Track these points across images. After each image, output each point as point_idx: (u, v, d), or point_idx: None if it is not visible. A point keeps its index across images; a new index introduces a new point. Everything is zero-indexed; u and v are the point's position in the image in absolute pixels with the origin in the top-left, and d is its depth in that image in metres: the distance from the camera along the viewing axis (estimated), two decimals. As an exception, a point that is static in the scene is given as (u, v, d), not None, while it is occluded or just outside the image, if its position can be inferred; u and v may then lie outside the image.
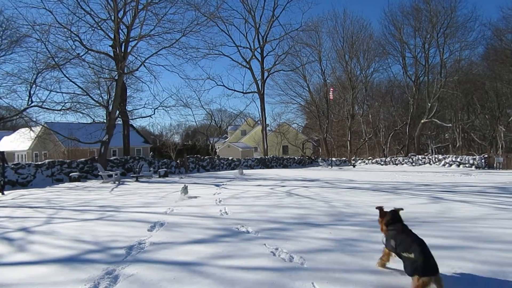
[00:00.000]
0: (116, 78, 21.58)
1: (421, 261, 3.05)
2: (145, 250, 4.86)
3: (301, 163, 34.96)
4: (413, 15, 39.15)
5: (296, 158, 36.07)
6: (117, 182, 16.81)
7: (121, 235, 5.69)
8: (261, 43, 38.39)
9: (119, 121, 26.03)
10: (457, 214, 6.99)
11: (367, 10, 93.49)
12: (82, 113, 23.29)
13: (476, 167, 25.07)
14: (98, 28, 21.03)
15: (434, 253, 3.18)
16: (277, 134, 49.32)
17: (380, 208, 3.98)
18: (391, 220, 3.73)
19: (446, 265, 3.90)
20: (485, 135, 41.22)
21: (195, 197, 10.52)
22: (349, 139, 41.62)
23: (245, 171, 24.10)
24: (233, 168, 29.03)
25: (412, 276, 3.09)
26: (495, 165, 24.32)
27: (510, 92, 37.05)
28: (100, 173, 17.93)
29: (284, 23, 58.37)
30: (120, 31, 21.80)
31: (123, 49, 21.65)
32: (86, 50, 20.84)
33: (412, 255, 3.16)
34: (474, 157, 26.75)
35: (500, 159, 24.48)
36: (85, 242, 5.36)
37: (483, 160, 25.22)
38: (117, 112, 22.83)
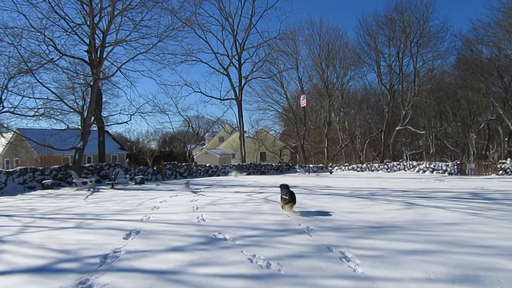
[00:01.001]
0: (92, 83, 21.21)
1: (289, 197, 7.83)
2: (120, 258, 4.77)
3: (279, 170, 35.09)
4: (387, 25, 40.13)
5: (274, 164, 36.18)
6: (92, 190, 16.47)
7: (95, 244, 5.57)
8: (238, 50, 38.52)
9: (94, 128, 25.58)
10: (431, 219, 7.14)
11: (342, 20, 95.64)
12: (56, 119, 22.76)
13: (449, 173, 25.69)
14: (73, 33, 20.66)
15: (408, 257, 3.26)
16: (255, 141, 49.45)
17: (281, 185, 8.41)
18: (285, 188, 8.13)
19: (420, 270, 3.98)
20: (458, 142, 42.44)
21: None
22: (326, 145, 42.07)
23: (221, 178, 24.03)
24: (210, 175, 28.89)
25: (285, 205, 7.95)
26: (467, 171, 24.97)
27: (480, 100, 38.31)
28: (74, 180, 17.53)
29: (261, 30, 59.14)
30: (95, 36, 21.45)
31: (98, 54, 21.30)
32: (60, 55, 20.34)
33: (286, 197, 7.90)
34: (447, 163, 27.42)
35: (472, 165, 25.16)
36: (57, 251, 5.21)
37: (455, 167, 25.88)
38: (92, 118, 22.43)
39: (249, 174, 31.47)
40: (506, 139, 36.89)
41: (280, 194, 8.29)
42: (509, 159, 26.04)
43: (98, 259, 4.70)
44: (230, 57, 38.29)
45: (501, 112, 33.31)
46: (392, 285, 3.58)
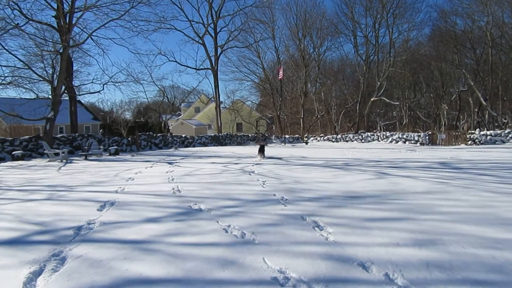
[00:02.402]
0: (61, 51, 20.39)
1: (260, 148, 15.77)
2: (95, 230, 4.75)
3: (255, 140, 35.21)
4: (365, -6, 39.85)
5: (250, 135, 36.24)
6: (64, 161, 16.18)
7: (69, 215, 5.52)
8: (214, 18, 37.67)
9: (65, 97, 24.85)
10: (401, 189, 7.36)
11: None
12: (25, 88, 22.06)
13: (421, 144, 26.38)
14: (39, -4, 19.69)
15: (377, 224, 3.44)
16: (231, 112, 49.21)
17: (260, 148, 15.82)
18: (261, 147, 15.86)
19: (389, 236, 4.14)
20: (430, 113, 43.38)
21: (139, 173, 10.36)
22: (302, 116, 42.25)
23: (197, 149, 23.99)
24: (186, 146, 28.73)
25: (258, 154, 15.55)
26: (438, 141, 25.69)
27: (453, 72, 38.99)
28: (46, 151, 17.14)
29: (237, -2, 57.56)
30: (64, 0, 20.52)
31: (67, 20, 20.42)
32: (27, 20, 19.20)
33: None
34: (419, 134, 28.11)
35: (443, 136, 25.88)
36: (30, 223, 5.15)
37: (427, 137, 26.57)
38: (63, 87, 21.75)
39: (225, 145, 31.47)
40: (476, 110, 37.92)
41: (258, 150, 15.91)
42: (478, 129, 26.94)
43: (72, 231, 4.67)
44: (206, 26, 37.47)
45: (472, 84, 34.05)
46: (362, 250, 3.71)
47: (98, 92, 26.94)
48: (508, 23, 32.68)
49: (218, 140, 31.84)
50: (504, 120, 33.00)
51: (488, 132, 24.95)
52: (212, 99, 47.98)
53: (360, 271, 3.25)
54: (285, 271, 3.28)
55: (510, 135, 23.77)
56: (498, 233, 4.25)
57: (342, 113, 45.17)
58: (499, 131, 24.92)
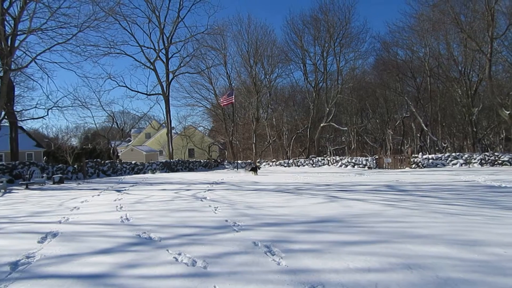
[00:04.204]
0: (2, 75, 19.43)
1: (251, 167, 22.89)
2: (34, 264, 4.43)
3: (208, 166, 34.90)
4: (313, 25, 41.49)
5: (202, 161, 35.91)
6: (2, 191, 15.17)
7: (6, 249, 5.12)
8: (165, 44, 37.54)
9: (5, 123, 23.53)
10: (350, 211, 7.53)
11: (270, 17, 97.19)
12: (-40, 112, 20.61)
13: (369, 168, 27.33)
14: (-22, 18, 18.79)
15: (334, 248, 3.35)
16: (182, 137, 48.64)
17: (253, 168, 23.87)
18: (254, 165, 24.83)
19: (340, 259, 4.19)
20: (376, 137, 45.28)
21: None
22: (254, 142, 42.54)
23: (147, 175, 23.38)
24: (136, 172, 27.94)
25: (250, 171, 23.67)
26: (384, 165, 26.75)
27: (397, 99, 41.25)
28: (-18, 181, 15.99)
29: (189, 25, 58.38)
30: (5, 23, 19.69)
31: (9, 43, 19.59)
32: (-36, 41, 18.39)
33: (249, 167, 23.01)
34: (367, 158, 29.16)
35: (389, 159, 27.01)
36: (-40, 260, 4.72)
37: (374, 161, 27.60)
38: (3, 113, 20.61)
39: (176, 171, 30.94)
40: (418, 134, 40.09)
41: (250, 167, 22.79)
42: (421, 153, 28.37)
43: (8, 267, 4.33)
44: (157, 51, 37.22)
45: (414, 110, 36.12)
46: (313, 274, 3.72)
47: (42, 117, 25.74)
48: (444, 54, 35.24)
49: (170, 167, 31.25)
50: (444, 145, 35.09)
51: (430, 156, 26.36)
52: (164, 124, 47.27)
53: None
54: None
55: (449, 159, 25.22)
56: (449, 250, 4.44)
57: (293, 138, 45.97)
58: (439, 155, 26.40)
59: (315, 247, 4.77)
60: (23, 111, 26.57)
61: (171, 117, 38.30)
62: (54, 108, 23.72)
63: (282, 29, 77.97)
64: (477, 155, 24.65)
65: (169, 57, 38.44)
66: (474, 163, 24.09)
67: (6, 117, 22.16)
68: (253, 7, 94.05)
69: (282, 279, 3.66)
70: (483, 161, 23.79)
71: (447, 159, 25.32)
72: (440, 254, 4.38)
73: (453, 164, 24.69)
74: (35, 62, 21.60)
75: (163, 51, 37.67)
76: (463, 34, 28.21)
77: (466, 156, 24.94)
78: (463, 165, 24.27)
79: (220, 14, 73.98)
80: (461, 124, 36.62)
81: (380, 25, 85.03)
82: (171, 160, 32.95)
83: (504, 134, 36.31)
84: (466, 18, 29.48)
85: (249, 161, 37.92)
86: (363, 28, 46.15)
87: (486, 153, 25.27)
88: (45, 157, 38.30)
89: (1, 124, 20.33)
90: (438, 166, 25.09)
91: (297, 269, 3.95)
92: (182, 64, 39.71)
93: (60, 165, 23.83)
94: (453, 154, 26.13)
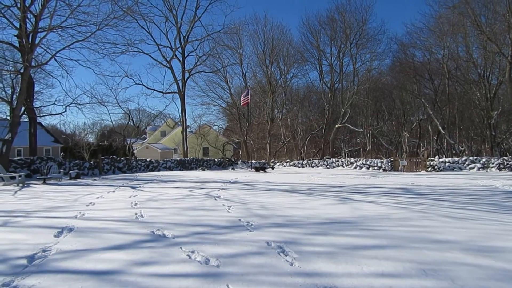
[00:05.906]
0: (22, 71, 19.77)
1: (254, 167, 27.08)
2: (50, 258, 4.50)
3: (222, 165, 35.00)
4: (329, 25, 41.42)
5: (216, 160, 36.03)
6: (21, 185, 15.46)
7: (23, 243, 5.21)
8: (182, 43, 37.76)
9: (25, 119, 23.98)
10: (363, 214, 7.47)
11: (287, 17, 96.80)
12: (-19, 108, 21.07)
13: (384, 170, 27.07)
14: (1, 15, 19.10)
15: (344, 250, 3.31)
16: (197, 136, 48.89)
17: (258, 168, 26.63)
18: (263, 165, 28.41)
19: (357, 263, 4.15)
20: (392, 140, 44.82)
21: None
22: (268, 142, 42.57)
23: (162, 173, 23.52)
24: (151, 170, 28.18)
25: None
26: (399, 168, 26.44)
27: (413, 101, 40.76)
28: (1, 175, 16.33)
29: (206, 24, 58.20)
30: (27, 20, 20.00)
31: (30, 40, 19.89)
32: (-14, 38, 18.75)
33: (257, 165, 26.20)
34: (382, 160, 28.88)
35: (404, 162, 26.68)
36: (-21, 252, 4.82)
37: (389, 163, 27.32)
38: (22, 108, 20.96)
39: (191, 169, 31.11)
40: (435, 137, 39.54)
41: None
42: (437, 156, 27.98)
43: (25, 260, 4.41)
44: (174, 50, 37.48)
45: (431, 113, 35.63)
46: (325, 276, 3.69)
47: (60, 114, 26.16)
48: (463, 57, 34.67)
49: (184, 165, 31.43)
50: (461, 148, 34.51)
51: (447, 159, 25.96)
52: (179, 123, 47.64)
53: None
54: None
55: (467, 163, 24.80)
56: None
57: (308, 139, 45.84)
58: (456, 159, 25.98)
59: (329, 249, 4.75)
60: (42, 107, 27.08)
61: (186, 116, 38.56)
62: (72, 105, 24.05)
63: (298, 29, 78.11)
64: (495, 159, 24.18)
65: (186, 55, 38.66)
66: (492, 167, 23.65)
67: (25, 112, 22.57)
68: (269, 7, 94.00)
69: (295, 281, 3.64)
70: (501, 166, 23.33)
71: (464, 163, 24.91)
72: (456, 260, 4.31)
73: (470, 168, 24.28)
74: (55, 59, 21.90)
75: (180, 49, 37.90)
76: (483, 36, 27.71)
77: (483, 160, 24.48)
78: (480, 169, 23.85)
79: (237, 13, 74.11)
80: (479, 127, 35.97)
81: (397, 26, 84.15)
82: (186, 158, 33.13)
83: (523, 139, 35.56)
84: (487, 20, 28.97)
85: (263, 161, 37.96)
86: (380, 29, 45.67)
87: (504, 157, 24.77)
88: (62, 153, 38.89)
89: (21, 120, 20.64)
90: (455, 169, 24.70)
91: (311, 271, 3.93)
92: (198, 63, 39.97)
93: (76, 161, 24.20)
94: (471, 158, 25.69)
